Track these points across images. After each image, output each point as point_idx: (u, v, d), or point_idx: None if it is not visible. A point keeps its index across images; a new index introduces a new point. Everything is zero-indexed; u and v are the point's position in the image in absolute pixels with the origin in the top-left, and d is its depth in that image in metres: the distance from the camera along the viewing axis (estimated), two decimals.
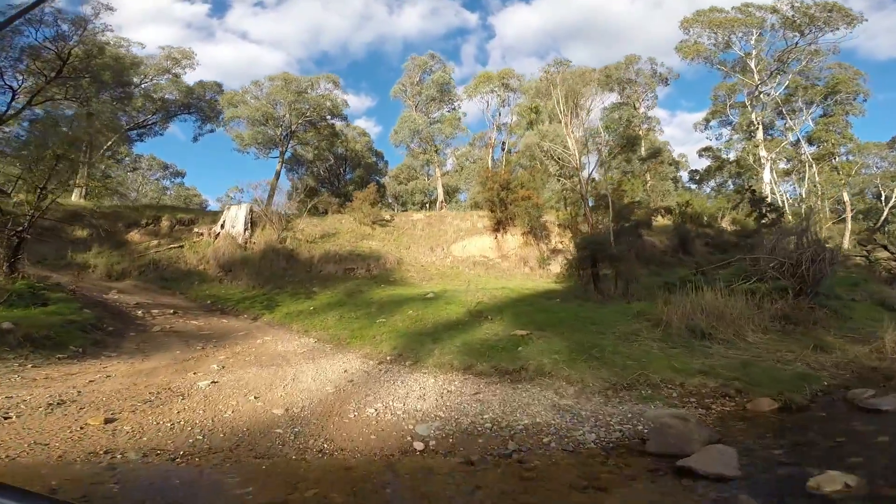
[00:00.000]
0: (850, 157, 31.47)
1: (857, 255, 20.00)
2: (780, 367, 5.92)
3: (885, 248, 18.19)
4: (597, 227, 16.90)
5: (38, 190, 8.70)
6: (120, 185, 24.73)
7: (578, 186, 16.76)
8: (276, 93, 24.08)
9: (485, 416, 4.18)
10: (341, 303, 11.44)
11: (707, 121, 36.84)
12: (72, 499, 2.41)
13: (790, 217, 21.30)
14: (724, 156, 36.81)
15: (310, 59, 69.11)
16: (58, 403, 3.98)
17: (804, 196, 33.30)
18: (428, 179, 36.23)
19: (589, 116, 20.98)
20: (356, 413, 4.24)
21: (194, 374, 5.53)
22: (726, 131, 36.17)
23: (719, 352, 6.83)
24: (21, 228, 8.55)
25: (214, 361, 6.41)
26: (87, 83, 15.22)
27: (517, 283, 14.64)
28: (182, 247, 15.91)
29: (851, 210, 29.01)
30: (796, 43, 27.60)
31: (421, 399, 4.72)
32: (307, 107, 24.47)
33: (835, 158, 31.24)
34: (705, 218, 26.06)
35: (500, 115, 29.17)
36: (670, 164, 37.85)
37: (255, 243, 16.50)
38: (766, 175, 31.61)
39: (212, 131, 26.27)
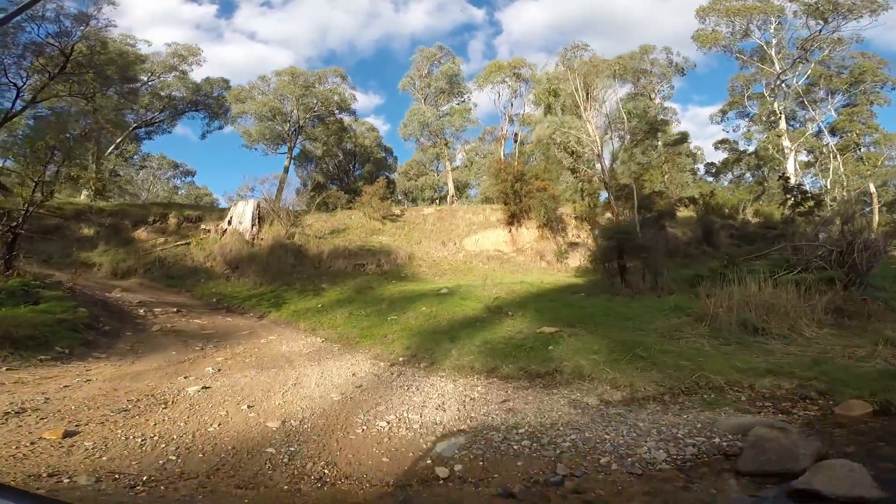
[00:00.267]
0: (873, 149, 30.09)
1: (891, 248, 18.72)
2: (857, 365, 5.07)
3: None
4: (619, 218, 15.99)
5: (33, 184, 8.23)
6: (128, 184, 24.62)
7: (600, 174, 15.76)
8: (283, 87, 23.62)
9: (520, 431, 3.46)
10: (351, 300, 10.84)
11: (724, 112, 35.40)
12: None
13: (829, 205, 19.99)
14: (742, 147, 35.39)
15: (318, 58, 68.99)
16: (17, 412, 3.39)
17: (828, 187, 31.93)
18: (437, 175, 35.54)
19: (604, 106, 20.04)
20: (364, 427, 3.56)
21: (185, 377, 4.93)
22: (744, 123, 34.82)
23: (779, 348, 6.00)
24: (16, 224, 8.11)
25: (211, 363, 5.82)
26: (91, 79, 14.88)
27: (535, 277, 13.85)
28: (189, 244, 15.52)
29: (879, 201, 27.62)
30: (820, 31, 26.19)
31: (440, 409, 4.02)
32: (315, 101, 23.96)
33: (860, 149, 29.85)
34: (726, 210, 24.94)
35: (511, 105, 28.24)
36: (688, 156, 36.61)
37: (262, 239, 16.02)
38: (790, 166, 30.31)
39: (220, 128, 26.04)
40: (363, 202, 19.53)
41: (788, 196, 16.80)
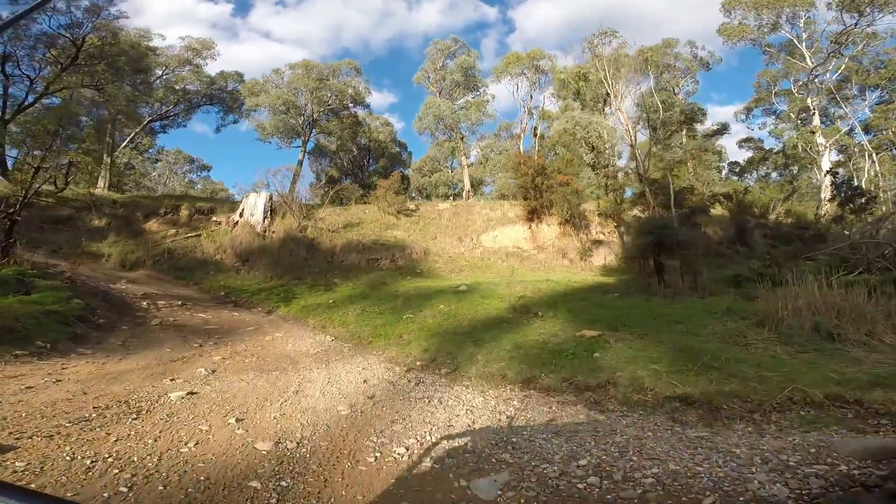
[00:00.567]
0: None
1: None
2: None
3: None
4: (651, 214, 14.93)
5: (33, 169, 7.76)
6: (142, 177, 24.54)
7: (626, 168, 14.71)
8: (296, 80, 23.17)
9: (580, 462, 2.65)
10: (363, 295, 10.17)
11: (749, 109, 33.71)
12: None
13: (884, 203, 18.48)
14: (770, 145, 33.76)
15: (332, 57, 68.84)
16: None
17: (863, 187, 30.23)
18: (451, 172, 34.79)
19: (632, 95, 18.90)
20: (378, 455, 2.79)
21: (172, 379, 4.26)
22: (770, 120, 33.16)
23: (864, 356, 5.04)
24: (13, 210, 7.65)
25: (206, 363, 5.16)
26: (103, 69, 14.60)
27: (559, 275, 12.94)
28: (199, 236, 15.10)
29: None
30: (855, 24, 24.51)
31: (472, 431, 3.22)
32: (329, 94, 23.43)
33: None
34: (755, 209, 23.56)
35: (531, 98, 27.23)
36: (714, 153, 35.09)
37: (274, 232, 15.50)
38: (825, 163, 28.70)
39: (234, 122, 25.77)
40: (377, 196, 18.88)
41: (838, 193, 15.42)
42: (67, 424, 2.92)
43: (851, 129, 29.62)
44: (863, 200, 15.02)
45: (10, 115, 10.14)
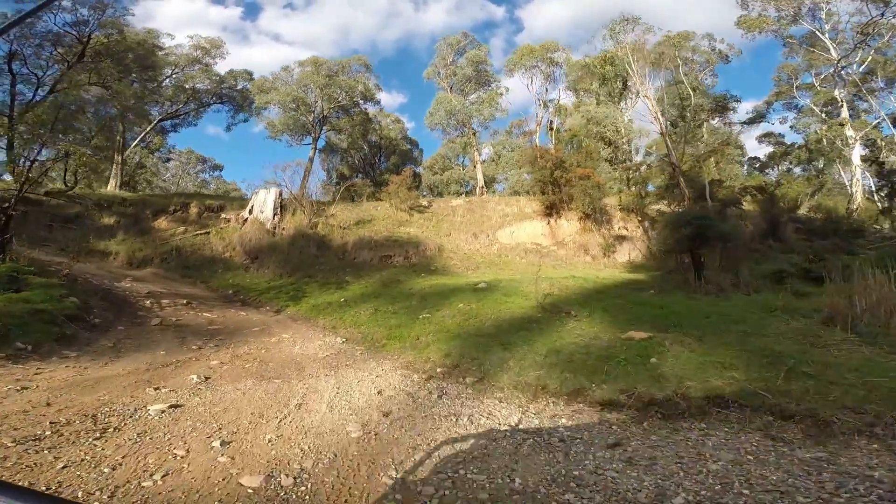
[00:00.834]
0: None
1: None
2: None
3: None
4: (689, 205, 13.98)
5: (28, 163, 7.35)
6: (153, 176, 24.44)
7: (649, 161, 13.80)
8: (306, 77, 22.75)
9: (676, 502, 1.94)
10: (376, 294, 9.57)
11: (769, 104, 32.28)
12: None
13: None
14: (790, 140, 32.36)
15: (341, 58, 68.60)
16: None
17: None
18: (463, 169, 34.12)
19: (648, 88, 17.87)
20: (399, 497, 2.12)
21: (157, 389, 3.67)
22: (791, 115, 31.77)
23: None
24: (7, 205, 7.24)
25: (201, 368, 4.58)
26: (109, 65, 14.35)
27: (584, 272, 12.13)
28: (208, 233, 14.72)
29: None
30: (881, 14, 23.01)
31: (516, 460, 2.53)
32: (338, 91, 22.96)
33: None
34: (783, 204, 22.31)
35: (546, 91, 26.36)
36: (736, 147, 33.80)
37: (284, 229, 15.04)
38: (856, 157, 27.27)
39: (245, 121, 25.52)
40: (390, 192, 18.30)
41: (887, 183, 14.22)
42: (10, 444, 2.33)
43: (880, 122, 28.21)
44: None
45: (19, 114, 9.80)
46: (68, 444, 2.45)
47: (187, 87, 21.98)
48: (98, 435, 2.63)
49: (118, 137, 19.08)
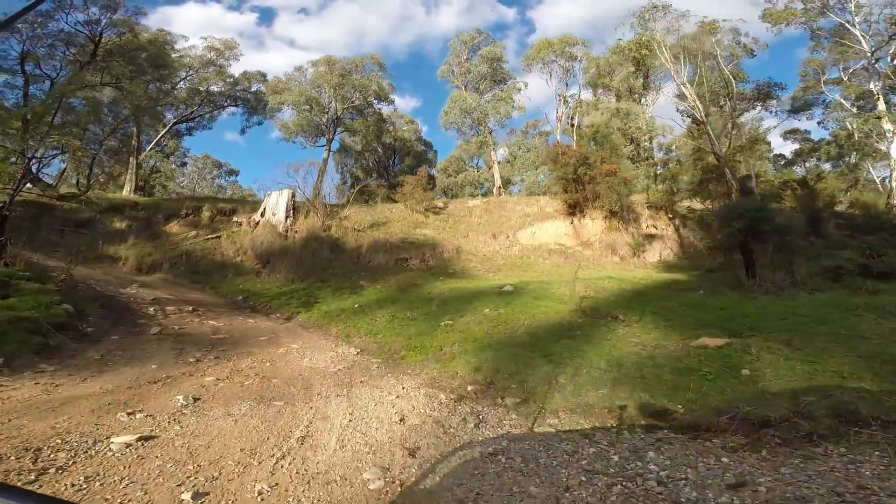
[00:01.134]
0: None
1: None
2: None
3: None
4: (710, 203, 12.92)
5: (26, 160, 6.90)
6: (168, 180, 24.39)
7: (696, 149, 12.77)
8: (319, 77, 22.40)
9: None
10: (393, 299, 8.85)
11: (795, 99, 30.79)
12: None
13: None
14: (817, 136, 30.76)
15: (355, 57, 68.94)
16: None
17: None
18: (478, 171, 33.40)
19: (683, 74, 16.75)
20: None
21: (130, 414, 3.00)
22: (819, 110, 30.27)
23: None
24: (2, 206, 6.80)
25: (192, 387, 3.92)
26: (121, 65, 14.15)
27: (620, 273, 11.19)
28: (219, 237, 14.29)
29: None
30: None
31: None
32: (352, 90, 22.54)
33: None
34: (819, 200, 20.88)
35: (566, 86, 25.45)
36: (765, 143, 32.36)
37: (296, 232, 14.51)
38: (894, 151, 25.63)
39: (259, 123, 25.35)
40: (405, 193, 17.65)
41: None
42: None
43: None
44: None
45: (34, 116, 9.51)
46: None
47: (201, 89, 21.88)
48: (34, 477, 1.94)
49: (133, 141, 19.00)
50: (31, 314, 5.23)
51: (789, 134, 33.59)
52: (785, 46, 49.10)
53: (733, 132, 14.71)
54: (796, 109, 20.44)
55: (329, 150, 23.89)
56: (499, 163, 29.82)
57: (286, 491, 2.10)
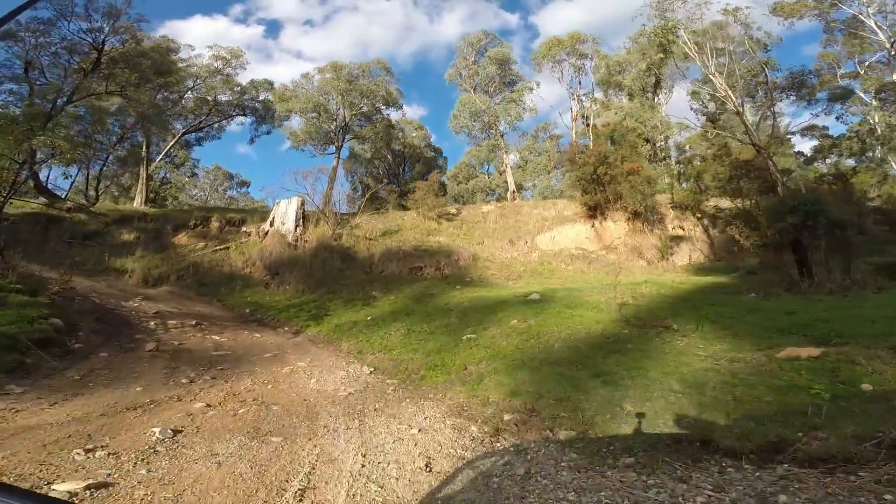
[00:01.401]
0: None
1: None
2: None
3: None
4: (742, 203, 11.99)
5: (16, 165, 6.50)
6: (179, 191, 24.32)
7: (722, 145, 11.91)
8: (326, 84, 22.20)
9: None
10: (408, 311, 8.18)
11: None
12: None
13: None
14: (835, 132, 29.51)
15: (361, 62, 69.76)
16: None
17: None
18: (489, 177, 32.83)
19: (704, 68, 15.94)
20: None
21: (88, 452, 2.38)
22: (837, 106, 29.11)
23: None
24: None
25: (175, 416, 3.29)
26: (125, 72, 14.06)
27: (654, 277, 10.32)
28: (227, 248, 13.88)
29: None
30: None
31: None
32: (359, 96, 22.26)
33: None
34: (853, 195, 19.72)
35: (580, 85, 24.81)
36: (786, 140, 31.22)
37: (306, 241, 14.02)
38: None
39: (268, 133, 25.21)
40: (416, 199, 17.08)
41: None
42: None
43: None
44: None
45: (39, 126, 9.23)
46: None
47: (209, 98, 21.86)
48: None
49: (142, 152, 18.92)
50: (11, 329, 4.73)
51: (807, 131, 32.36)
52: (795, 41, 47.70)
53: (770, 123, 13.77)
54: (834, 98, 19.34)
55: (338, 158, 23.60)
56: (511, 167, 29.22)
57: None
